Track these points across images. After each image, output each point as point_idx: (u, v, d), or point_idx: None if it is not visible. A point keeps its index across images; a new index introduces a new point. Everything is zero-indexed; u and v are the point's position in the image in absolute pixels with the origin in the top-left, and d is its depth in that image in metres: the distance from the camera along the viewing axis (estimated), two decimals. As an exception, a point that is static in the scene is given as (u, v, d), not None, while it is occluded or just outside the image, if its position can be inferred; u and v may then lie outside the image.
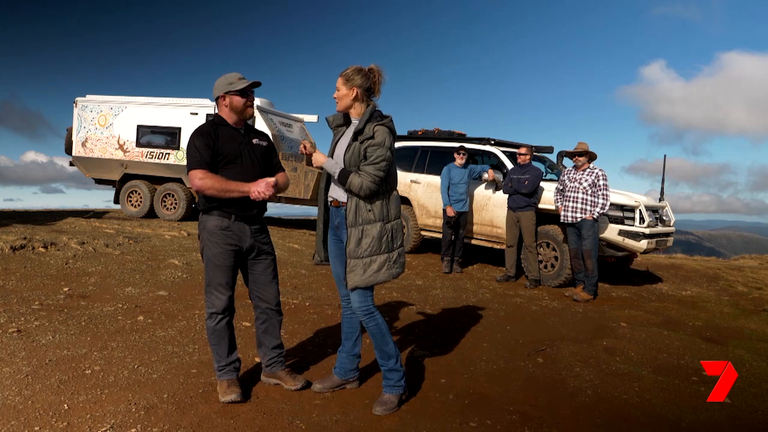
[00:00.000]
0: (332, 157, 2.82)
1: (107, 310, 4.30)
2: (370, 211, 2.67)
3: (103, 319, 4.04)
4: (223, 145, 2.75)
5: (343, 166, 2.69)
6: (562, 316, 5.17)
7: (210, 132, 2.74)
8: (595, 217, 5.89)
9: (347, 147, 2.70)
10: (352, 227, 2.66)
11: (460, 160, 7.16)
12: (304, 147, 2.80)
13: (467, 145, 7.64)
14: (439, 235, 7.78)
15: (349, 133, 2.79)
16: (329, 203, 2.88)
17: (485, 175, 7.24)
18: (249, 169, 2.80)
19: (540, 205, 6.68)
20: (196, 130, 2.78)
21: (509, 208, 6.72)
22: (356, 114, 2.77)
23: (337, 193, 2.80)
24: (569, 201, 6.04)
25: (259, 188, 2.70)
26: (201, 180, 2.65)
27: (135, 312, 4.29)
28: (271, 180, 2.75)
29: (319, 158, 2.76)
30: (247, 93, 2.81)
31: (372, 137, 2.62)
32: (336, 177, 2.69)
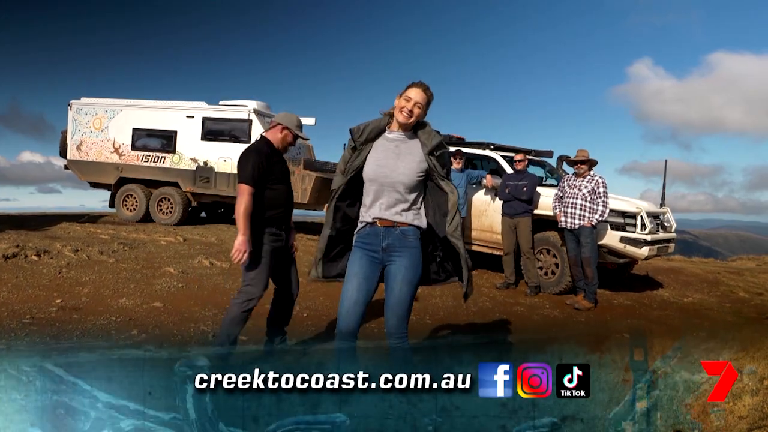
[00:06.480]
0: (370, 172, 2.51)
1: (100, 323, 4.21)
2: None
3: (95, 335, 3.95)
4: (274, 165, 3.19)
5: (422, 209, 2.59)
6: (564, 326, 5.10)
7: (265, 152, 3.16)
8: (593, 223, 5.82)
9: (424, 166, 2.52)
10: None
11: (456, 164, 7.02)
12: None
13: (466, 150, 7.54)
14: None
15: (387, 145, 2.55)
16: (375, 222, 2.55)
17: (484, 181, 7.15)
18: (288, 190, 3.31)
19: (539, 211, 6.61)
20: (253, 146, 3.20)
21: (505, 214, 6.62)
22: (406, 128, 2.54)
23: (388, 213, 2.52)
24: (568, 207, 5.97)
25: (240, 251, 3.03)
26: (242, 196, 3.06)
27: (128, 325, 4.20)
28: (245, 258, 3.06)
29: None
30: (296, 138, 3.31)
31: (442, 145, 2.54)
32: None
